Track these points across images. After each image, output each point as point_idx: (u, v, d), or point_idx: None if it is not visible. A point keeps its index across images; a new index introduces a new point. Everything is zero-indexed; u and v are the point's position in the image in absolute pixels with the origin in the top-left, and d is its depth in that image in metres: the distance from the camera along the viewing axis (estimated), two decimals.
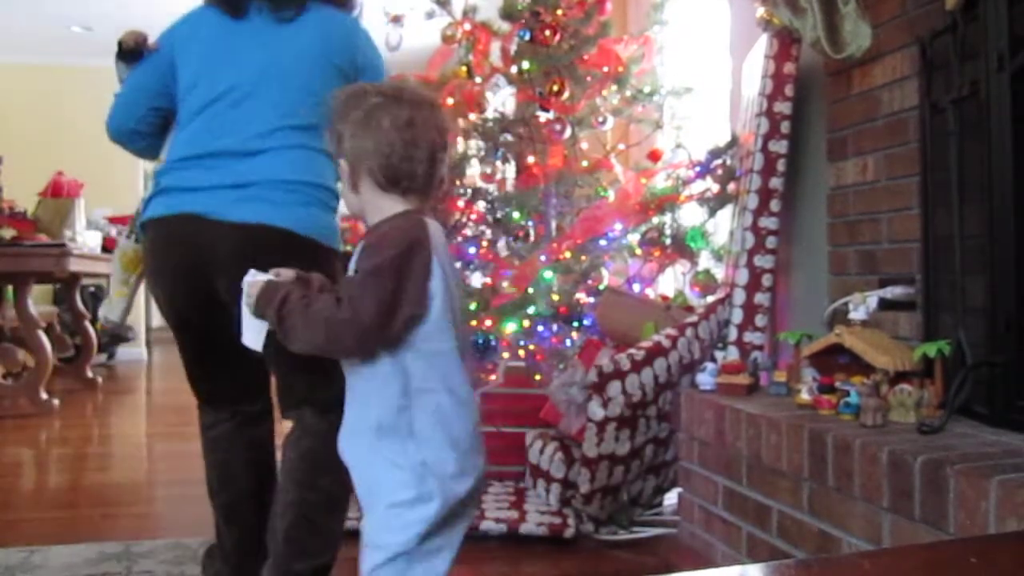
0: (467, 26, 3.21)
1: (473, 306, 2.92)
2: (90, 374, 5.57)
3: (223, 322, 1.62)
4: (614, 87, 3.18)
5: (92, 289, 6.94)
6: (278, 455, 1.88)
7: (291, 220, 1.67)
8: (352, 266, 1.29)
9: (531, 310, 2.88)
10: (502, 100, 3.38)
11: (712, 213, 2.93)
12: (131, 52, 1.84)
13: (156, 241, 1.75)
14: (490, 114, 3.24)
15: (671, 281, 3.36)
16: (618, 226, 3.01)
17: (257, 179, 1.68)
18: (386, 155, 1.28)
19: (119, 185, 7.16)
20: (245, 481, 1.87)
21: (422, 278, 1.24)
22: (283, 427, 1.86)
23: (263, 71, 1.73)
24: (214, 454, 1.89)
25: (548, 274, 2.91)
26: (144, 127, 1.87)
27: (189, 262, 1.71)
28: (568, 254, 3.01)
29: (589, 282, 3.05)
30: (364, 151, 1.29)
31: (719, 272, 2.84)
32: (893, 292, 2.03)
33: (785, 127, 2.48)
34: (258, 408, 1.92)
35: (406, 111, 1.29)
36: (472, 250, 3.18)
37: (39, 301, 5.26)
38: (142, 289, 2.17)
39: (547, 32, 3.02)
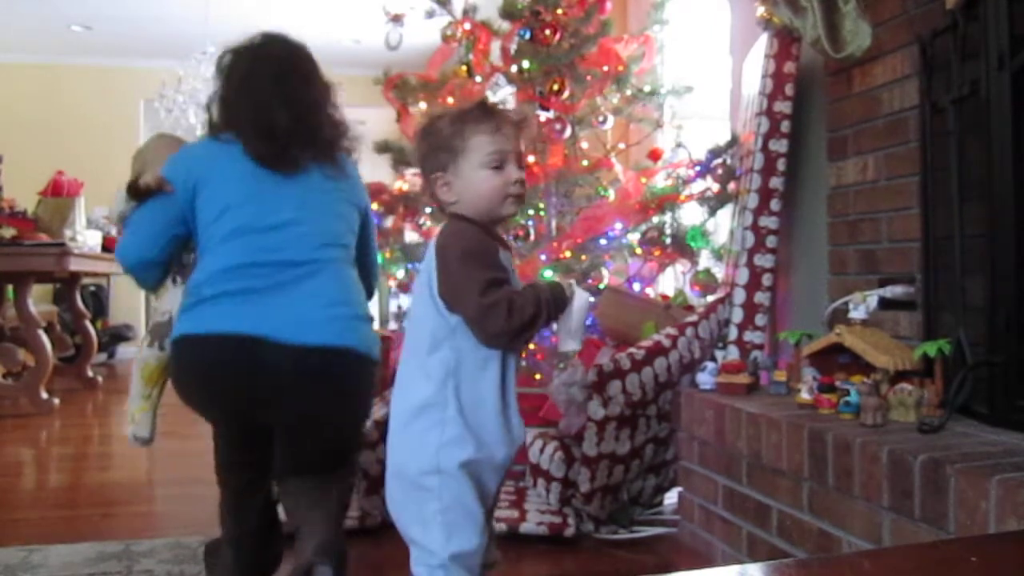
0: (467, 25, 3.21)
1: None
2: (90, 373, 5.56)
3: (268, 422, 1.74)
4: (614, 86, 3.18)
5: (92, 288, 6.94)
6: None
7: (354, 339, 1.69)
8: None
9: None
10: (502, 99, 3.38)
11: (712, 212, 2.93)
12: (148, 194, 1.79)
13: (203, 361, 1.69)
14: None
15: (671, 280, 3.36)
16: (618, 225, 3.02)
17: (309, 294, 1.69)
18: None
19: (119, 184, 7.17)
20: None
21: None
22: None
23: (302, 201, 1.74)
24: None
25: (548, 273, 2.91)
26: (164, 256, 1.83)
27: (243, 388, 1.67)
28: (568, 253, 3.01)
29: (589, 281, 3.05)
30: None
31: (719, 271, 2.84)
32: (893, 292, 2.03)
33: (785, 126, 2.48)
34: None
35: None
36: None
37: (39, 301, 5.25)
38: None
39: (547, 31, 3.02)
